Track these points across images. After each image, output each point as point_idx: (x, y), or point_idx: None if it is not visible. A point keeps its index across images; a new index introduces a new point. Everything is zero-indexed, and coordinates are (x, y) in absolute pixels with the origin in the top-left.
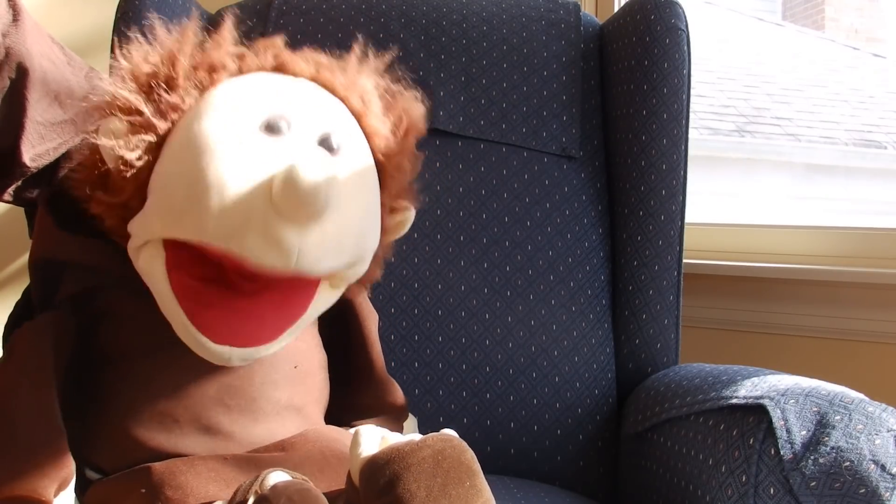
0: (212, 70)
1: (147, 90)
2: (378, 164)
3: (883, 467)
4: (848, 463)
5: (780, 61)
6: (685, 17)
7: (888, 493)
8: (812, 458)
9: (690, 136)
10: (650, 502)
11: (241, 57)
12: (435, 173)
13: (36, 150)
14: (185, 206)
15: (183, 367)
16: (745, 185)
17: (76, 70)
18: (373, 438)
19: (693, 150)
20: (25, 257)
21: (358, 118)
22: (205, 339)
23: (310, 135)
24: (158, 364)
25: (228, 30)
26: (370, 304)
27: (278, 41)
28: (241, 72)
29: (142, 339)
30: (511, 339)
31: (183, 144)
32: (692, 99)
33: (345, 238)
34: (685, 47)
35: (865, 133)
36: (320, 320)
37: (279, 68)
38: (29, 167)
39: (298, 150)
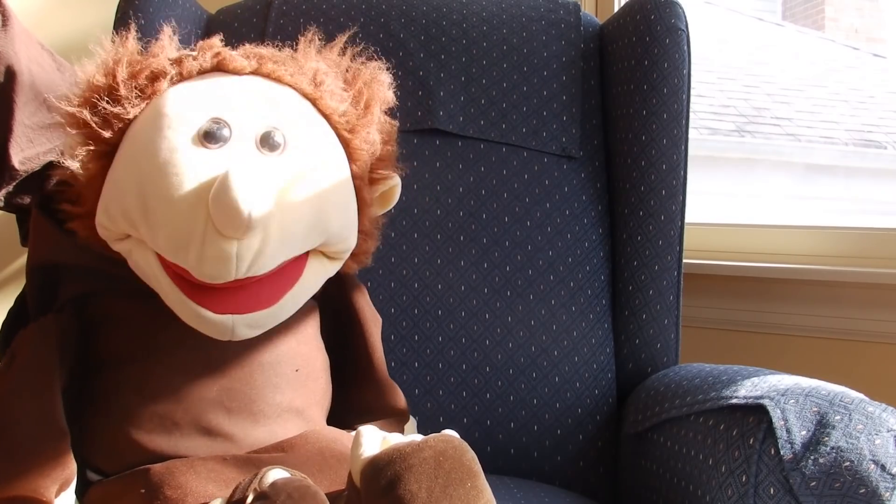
0: (152, 78)
1: (92, 104)
2: (343, 140)
3: (883, 467)
4: (848, 463)
5: (780, 61)
6: (685, 17)
7: (888, 493)
8: (812, 458)
9: (690, 136)
10: (650, 502)
11: (179, 62)
12: (435, 173)
13: (25, 153)
14: (136, 217)
15: (183, 369)
16: (744, 184)
17: (66, 76)
18: (374, 439)
19: (693, 149)
20: (17, 264)
21: (312, 101)
22: (205, 311)
23: (249, 137)
24: (158, 366)
25: (167, 36)
26: (373, 308)
27: (215, 41)
28: (181, 76)
29: (141, 342)
30: (511, 339)
31: (129, 154)
32: (692, 99)
33: (292, 231)
34: (685, 47)
35: (865, 133)
36: (323, 323)
37: (220, 67)
38: (18, 171)
39: (235, 160)
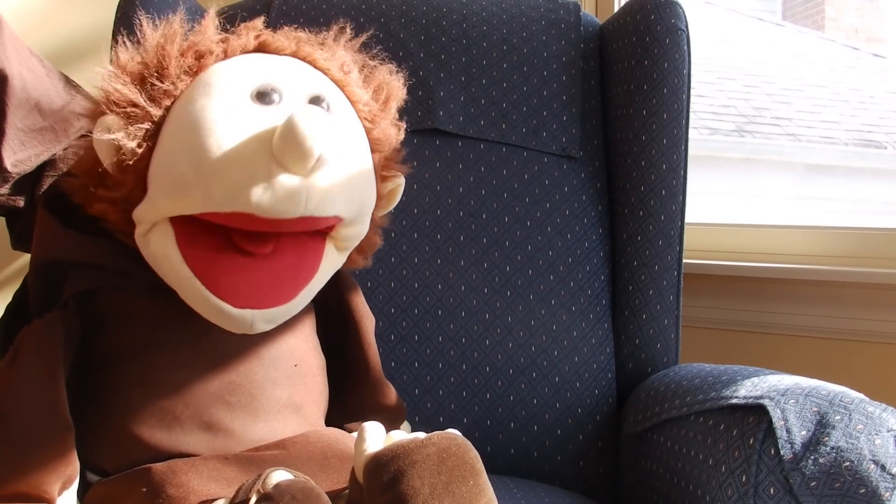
0: (199, 56)
1: (140, 81)
2: (364, 129)
3: (883, 467)
4: (848, 463)
5: (780, 61)
6: (685, 17)
7: (888, 493)
8: (812, 458)
9: (690, 136)
10: (650, 502)
11: (224, 41)
12: (435, 173)
13: (17, 156)
14: (190, 179)
15: (183, 364)
16: (744, 184)
17: (54, 81)
18: (378, 435)
19: (693, 149)
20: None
21: (341, 87)
22: (225, 306)
23: (302, 98)
24: (159, 362)
25: (211, 19)
26: (367, 307)
27: (258, 23)
28: (226, 54)
29: (142, 338)
30: (511, 339)
31: (180, 126)
32: (692, 99)
33: (347, 184)
34: (685, 47)
35: (865, 133)
36: (318, 323)
37: (261, 47)
38: (10, 173)
39: (293, 109)
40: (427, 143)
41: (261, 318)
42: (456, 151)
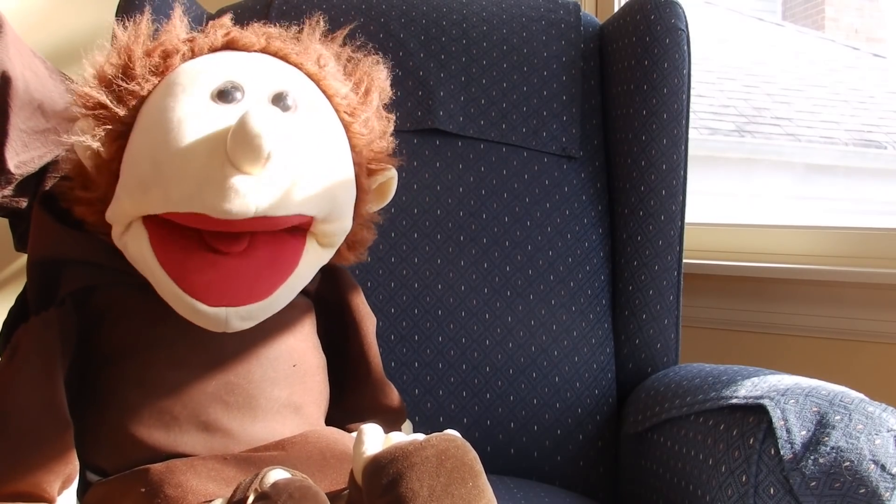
0: (165, 55)
1: (107, 83)
2: (343, 122)
3: (883, 467)
4: (848, 463)
5: (780, 61)
6: (685, 17)
7: (888, 493)
8: (812, 458)
9: (690, 136)
10: (650, 502)
11: (191, 40)
12: (435, 173)
13: (20, 157)
14: (149, 179)
15: (181, 364)
16: (744, 184)
17: (57, 82)
18: (377, 437)
19: (693, 150)
20: (16, 264)
21: (316, 81)
22: (199, 304)
23: (262, 97)
24: (157, 362)
25: (178, 17)
26: (367, 307)
27: (226, 20)
28: (193, 53)
29: (140, 338)
30: (511, 339)
31: (146, 126)
32: (692, 99)
33: (304, 184)
34: (685, 47)
35: (865, 133)
36: (319, 323)
37: (230, 45)
38: (14, 175)
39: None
40: (427, 143)
41: (235, 316)
42: (456, 151)
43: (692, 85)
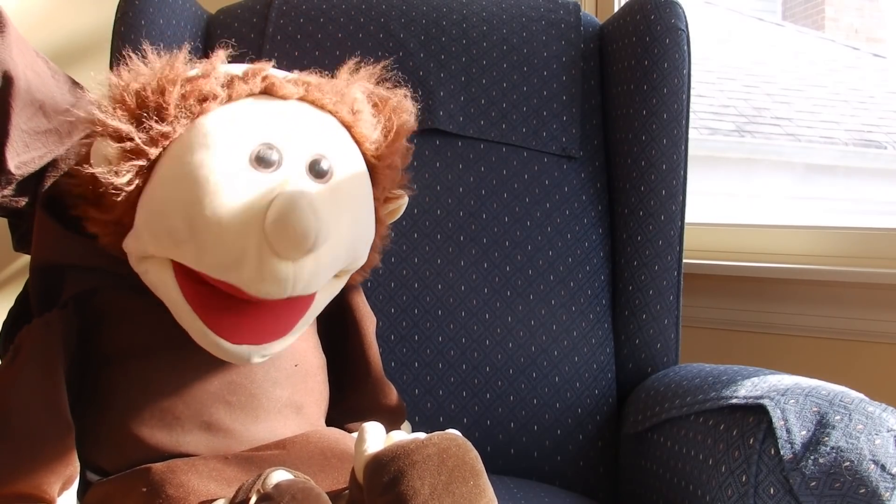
0: (202, 99)
1: (138, 118)
2: (370, 165)
3: (883, 467)
4: (848, 463)
5: (780, 61)
6: (685, 17)
7: (888, 493)
8: (812, 458)
9: (690, 136)
10: (650, 502)
11: (229, 84)
12: (435, 173)
13: (21, 157)
14: (183, 236)
15: (183, 365)
16: (744, 184)
17: (59, 83)
18: (378, 436)
19: (693, 150)
20: (17, 264)
21: (348, 128)
22: (223, 342)
23: (299, 162)
24: (159, 362)
25: (219, 57)
26: (368, 307)
27: (266, 65)
28: (230, 98)
29: (142, 338)
30: (511, 339)
31: (177, 174)
32: (692, 99)
33: (337, 255)
34: (685, 47)
35: (865, 133)
36: (319, 323)
37: (267, 91)
38: (14, 175)
39: (289, 184)
40: (427, 143)
41: (257, 353)
42: (456, 151)
43: (692, 85)
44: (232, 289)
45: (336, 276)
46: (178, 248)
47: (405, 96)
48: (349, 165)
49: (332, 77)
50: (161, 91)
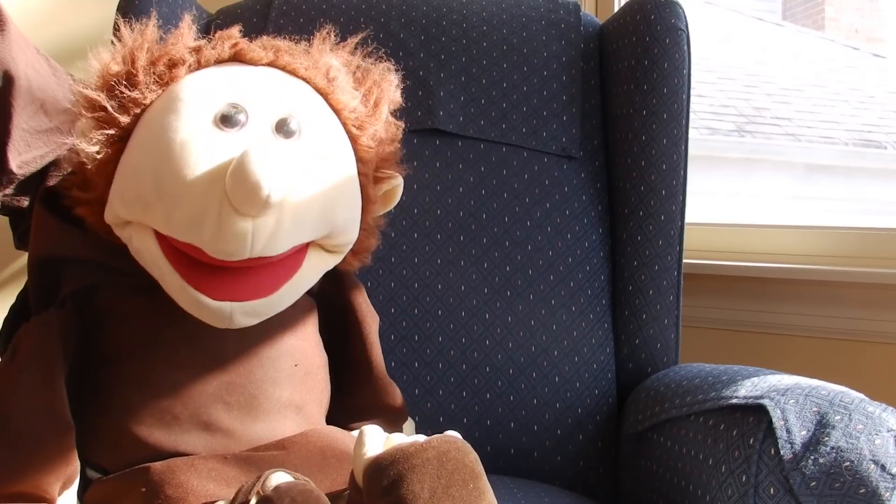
0: (171, 65)
1: (109, 88)
2: (351, 136)
3: (883, 467)
4: (848, 463)
5: (780, 61)
6: (685, 17)
7: (888, 493)
8: (812, 458)
9: (690, 136)
10: (650, 502)
11: (197, 50)
12: (435, 173)
13: (23, 157)
14: (151, 199)
15: (182, 364)
16: (744, 184)
17: (61, 81)
18: (377, 439)
19: (693, 149)
20: (17, 264)
21: (324, 96)
22: (204, 297)
23: (266, 122)
24: (158, 362)
25: (186, 25)
26: (370, 306)
27: (235, 31)
28: (199, 64)
29: (141, 338)
30: (511, 339)
31: (144, 138)
32: (692, 99)
33: (304, 216)
34: (685, 47)
35: (865, 133)
36: (321, 322)
37: (237, 57)
38: (16, 174)
39: (252, 142)
40: (427, 143)
41: (240, 311)
42: (456, 151)
43: (692, 85)
44: (197, 252)
45: (327, 250)
46: (148, 213)
47: (388, 69)
48: (322, 129)
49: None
50: (131, 60)
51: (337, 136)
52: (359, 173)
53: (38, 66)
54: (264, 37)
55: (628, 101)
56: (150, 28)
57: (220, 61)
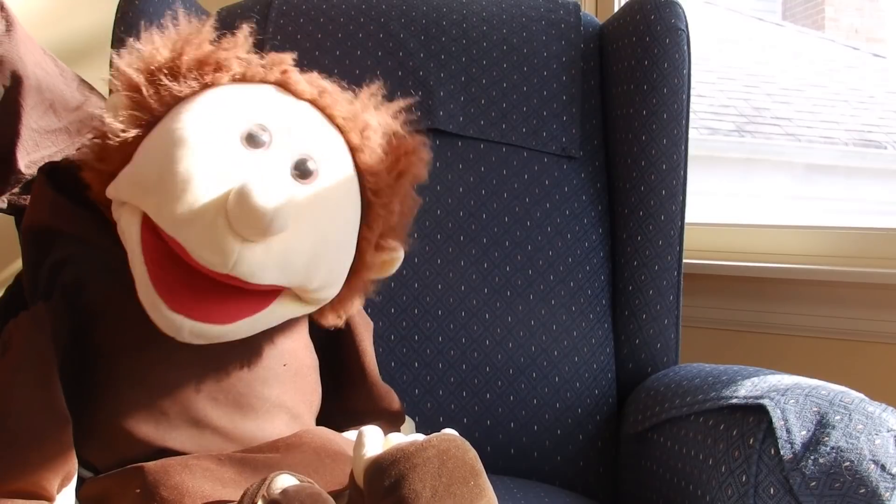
0: (216, 68)
1: (150, 73)
2: (366, 200)
3: (883, 467)
4: (848, 463)
5: (780, 61)
6: (685, 17)
7: (888, 493)
8: (812, 458)
9: (690, 136)
10: (650, 502)
11: (247, 63)
12: (435, 173)
13: (31, 157)
14: (152, 187)
15: (173, 362)
16: (744, 184)
17: (68, 81)
18: (377, 439)
19: (693, 150)
20: (17, 264)
21: (353, 152)
22: (161, 303)
23: (287, 155)
24: (148, 359)
25: (244, 35)
26: (363, 314)
27: (288, 58)
28: (244, 77)
29: (132, 334)
30: (511, 339)
31: (168, 131)
32: (692, 99)
33: (292, 258)
34: (685, 47)
35: (865, 133)
36: (312, 326)
37: (282, 84)
38: (24, 174)
39: (267, 169)
40: (427, 143)
41: (189, 329)
42: (456, 151)
43: (692, 85)
44: (179, 248)
45: (301, 300)
46: (145, 196)
47: (424, 144)
48: (338, 182)
49: (354, 94)
50: (179, 51)
51: (350, 194)
52: (363, 237)
53: (46, 66)
54: (315, 73)
55: (628, 101)
56: (208, 27)
57: (264, 81)
